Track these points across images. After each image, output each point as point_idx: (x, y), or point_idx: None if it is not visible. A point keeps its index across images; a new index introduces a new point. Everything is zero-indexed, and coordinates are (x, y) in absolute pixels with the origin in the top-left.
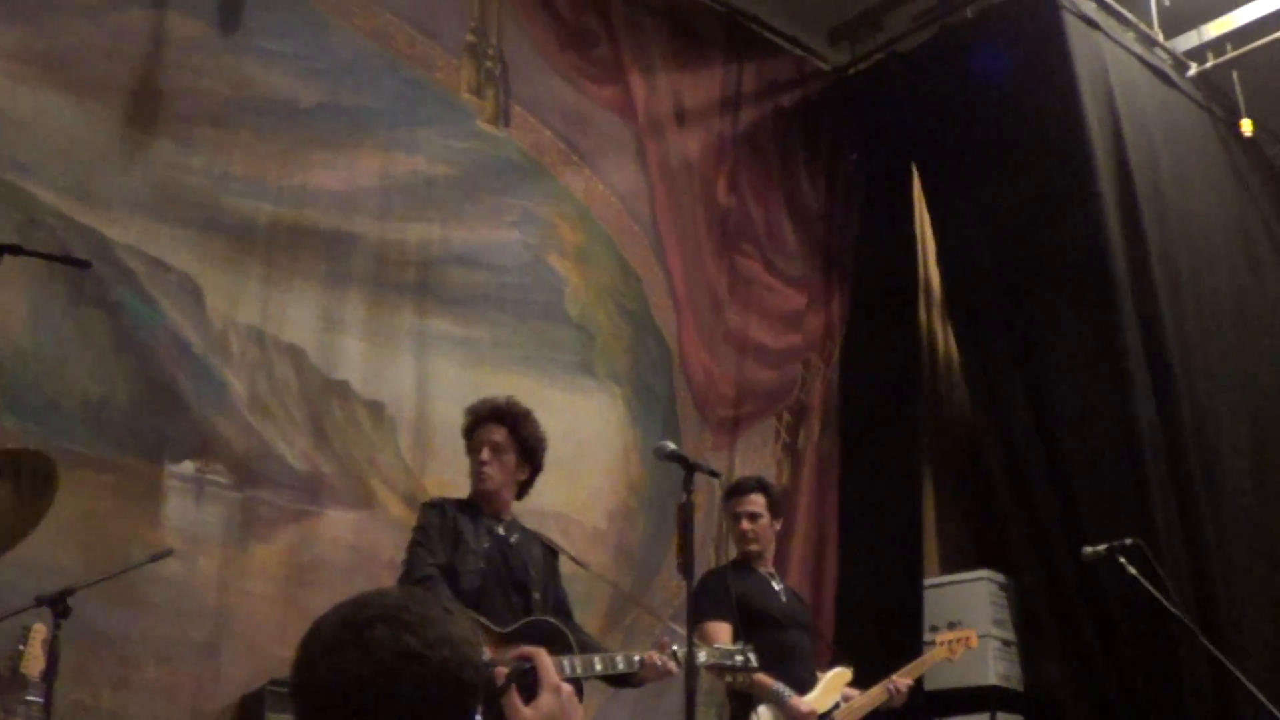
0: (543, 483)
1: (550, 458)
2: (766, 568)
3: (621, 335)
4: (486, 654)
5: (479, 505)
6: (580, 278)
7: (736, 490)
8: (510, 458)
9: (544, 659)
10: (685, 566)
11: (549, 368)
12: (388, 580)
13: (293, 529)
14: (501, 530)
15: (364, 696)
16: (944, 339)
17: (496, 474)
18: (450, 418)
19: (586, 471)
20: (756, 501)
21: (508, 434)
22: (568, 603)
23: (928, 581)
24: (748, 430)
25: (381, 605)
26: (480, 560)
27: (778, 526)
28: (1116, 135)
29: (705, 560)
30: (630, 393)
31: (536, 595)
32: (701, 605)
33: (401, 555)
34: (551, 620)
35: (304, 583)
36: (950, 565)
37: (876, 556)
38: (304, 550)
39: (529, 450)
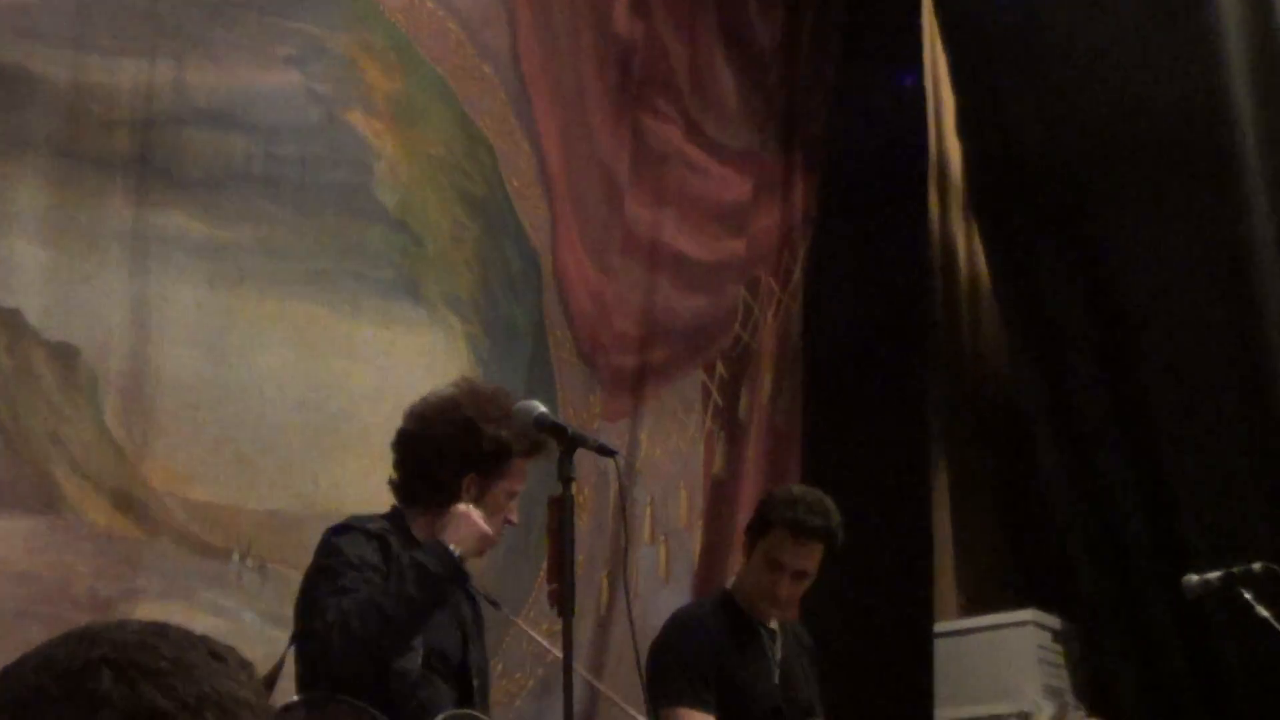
0: (346, 469)
1: (354, 429)
2: (770, 620)
3: (464, 238)
4: None
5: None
6: (399, 148)
7: (798, 529)
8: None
9: None
10: (560, 596)
11: (350, 289)
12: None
13: None
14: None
15: None
16: (967, 249)
17: None
18: (188, 369)
19: None
20: (815, 556)
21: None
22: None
23: (941, 627)
24: (661, 388)
25: (113, 643)
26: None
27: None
28: None
29: (593, 587)
30: (478, 328)
31: (476, 682)
32: (669, 677)
33: (108, 589)
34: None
35: None
36: (977, 602)
37: (861, 587)
38: None
39: None
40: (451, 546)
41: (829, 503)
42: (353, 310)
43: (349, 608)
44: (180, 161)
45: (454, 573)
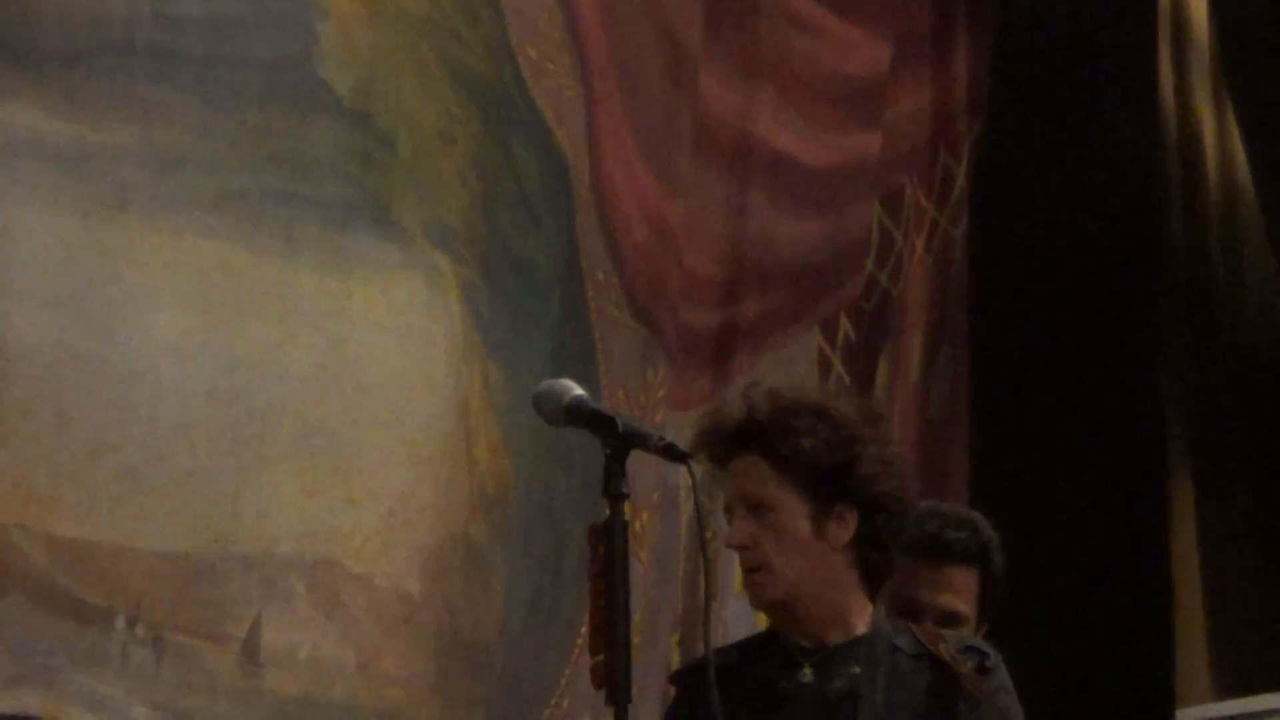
0: (280, 489)
1: (291, 429)
2: None
3: (456, 137)
4: None
5: (780, 633)
6: (357, 2)
7: (935, 547)
8: (788, 512)
9: None
10: (609, 673)
11: (283, 217)
12: None
13: None
14: (809, 675)
15: None
16: (1217, 137)
17: (776, 565)
18: (46, 339)
19: (375, 459)
20: (965, 587)
21: (765, 464)
22: None
23: (1188, 714)
24: (757, 358)
25: None
26: None
27: (983, 631)
28: None
29: (659, 658)
30: (477, 273)
31: None
32: None
33: None
34: None
35: None
36: (1236, 681)
37: (1074, 659)
38: None
39: (817, 474)
40: None
41: (976, 515)
42: (288, 249)
43: None
44: (28, 27)
45: None
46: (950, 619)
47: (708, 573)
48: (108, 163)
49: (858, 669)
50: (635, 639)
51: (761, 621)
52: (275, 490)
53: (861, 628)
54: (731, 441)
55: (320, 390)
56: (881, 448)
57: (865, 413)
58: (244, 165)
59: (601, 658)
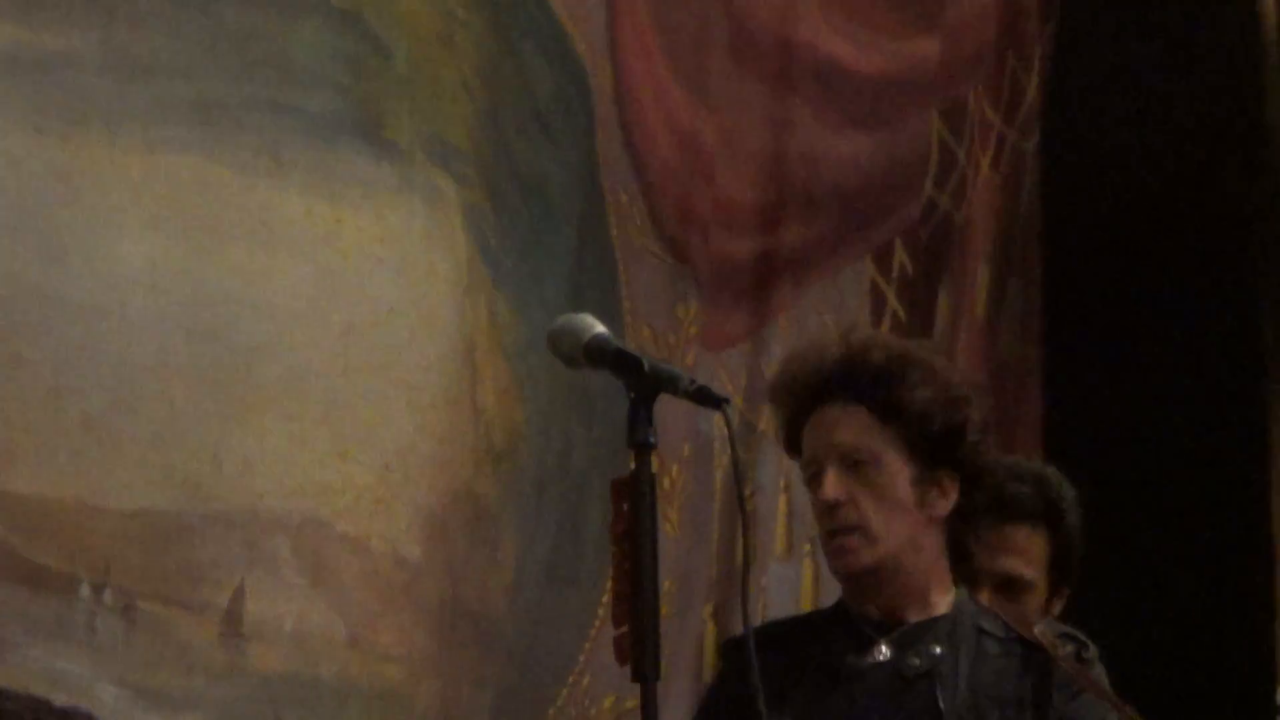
0: (266, 439)
1: (277, 370)
2: None
3: (459, 41)
4: None
5: (851, 608)
6: None
7: (990, 503)
8: (890, 471)
9: None
10: (635, 647)
11: (267, 131)
12: None
13: None
14: (885, 653)
15: None
16: None
17: (875, 527)
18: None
19: (369, 406)
20: (1027, 543)
21: (869, 415)
22: None
23: None
24: (801, 292)
25: None
26: None
27: (1057, 607)
28: None
29: (690, 632)
30: (482, 194)
31: None
32: None
33: None
34: None
35: None
36: None
37: (1160, 635)
38: None
39: (927, 434)
40: None
41: (1047, 469)
42: (272, 167)
43: None
44: None
45: None
46: (1011, 585)
47: (746, 534)
48: (65, 70)
49: (939, 648)
50: (664, 609)
51: (805, 588)
52: (259, 441)
53: (943, 609)
54: (832, 386)
55: (308, 328)
56: (984, 414)
57: (964, 374)
58: (221, 73)
59: (625, 629)
